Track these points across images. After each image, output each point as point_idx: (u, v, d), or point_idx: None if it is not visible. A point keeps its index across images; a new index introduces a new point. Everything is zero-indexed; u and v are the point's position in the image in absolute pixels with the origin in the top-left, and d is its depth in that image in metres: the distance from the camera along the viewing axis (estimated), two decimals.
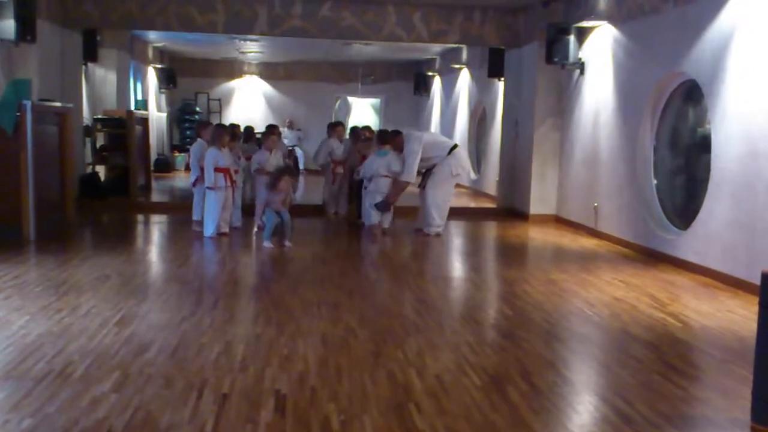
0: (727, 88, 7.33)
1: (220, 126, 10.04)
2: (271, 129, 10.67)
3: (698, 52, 7.79)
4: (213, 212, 9.17)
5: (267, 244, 8.66)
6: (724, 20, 7.37)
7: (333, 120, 17.09)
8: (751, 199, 6.92)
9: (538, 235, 10.44)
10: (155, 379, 4.22)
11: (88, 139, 12.79)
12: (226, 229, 9.40)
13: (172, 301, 6.07)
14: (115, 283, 6.60)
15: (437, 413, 3.87)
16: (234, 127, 11.16)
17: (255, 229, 9.71)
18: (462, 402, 4.04)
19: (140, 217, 11.41)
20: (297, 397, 4.01)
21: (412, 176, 9.84)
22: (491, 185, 14.50)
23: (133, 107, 15.23)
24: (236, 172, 9.86)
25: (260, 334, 5.17)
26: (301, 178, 17.38)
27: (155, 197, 13.94)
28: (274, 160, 9.88)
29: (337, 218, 11.53)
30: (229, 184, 9.24)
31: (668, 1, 8.36)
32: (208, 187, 9.10)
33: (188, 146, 19.94)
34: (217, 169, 9.07)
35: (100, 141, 13.44)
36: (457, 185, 17.09)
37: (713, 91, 7.55)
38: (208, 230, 9.17)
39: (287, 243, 8.74)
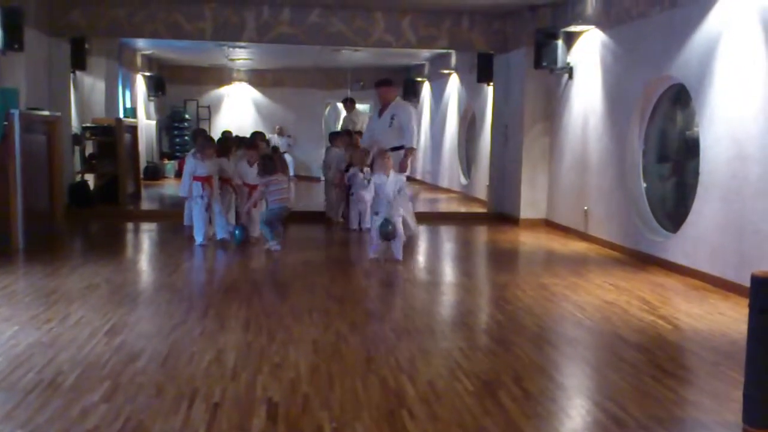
0: (714, 92, 7.37)
1: (207, 137, 10.11)
2: (253, 141, 10.55)
3: (686, 56, 7.83)
4: (200, 221, 9.21)
5: (273, 245, 8.81)
6: (711, 24, 7.42)
7: (331, 128, 16.94)
8: (739, 202, 6.95)
9: (528, 240, 10.45)
10: (146, 389, 4.20)
11: (76, 148, 12.74)
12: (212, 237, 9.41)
13: (162, 310, 6.05)
14: (104, 292, 6.57)
15: (430, 419, 3.86)
16: (226, 134, 11.18)
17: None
18: (454, 408, 4.04)
19: (130, 226, 11.37)
20: (289, 405, 3.99)
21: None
22: (481, 190, 14.52)
23: (122, 115, 15.17)
24: (228, 180, 9.86)
25: (251, 341, 5.15)
26: (292, 185, 17.38)
27: (145, 205, 13.89)
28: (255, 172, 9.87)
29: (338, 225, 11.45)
30: (208, 192, 9.23)
31: (655, 5, 8.41)
32: (182, 196, 9.38)
33: (178, 154, 20.03)
34: (196, 178, 9.14)
35: (89, 149, 13.39)
36: (448, 190, 17.21)
37: (701, 94, 7.59)
38: (198, 238, 9.20)
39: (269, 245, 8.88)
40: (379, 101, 10.03)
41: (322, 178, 12.91)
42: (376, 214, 8.40)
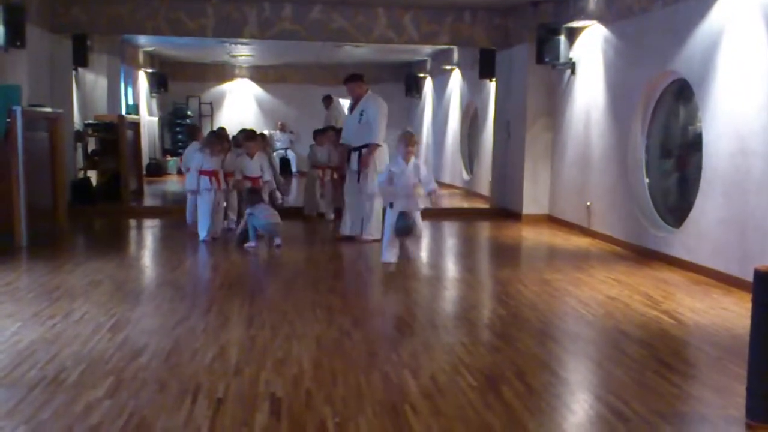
0: (717, 87, 7.35)
1: (215, 134, 10.17)
2: (251, 136, 10.62)
3: (688, 51, 7.82)
4: (205, 216, 9.25)
5: (250, 245, 8.89)
6: (714, 19, 7.40)
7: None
8: (742, 197, 6.94)
9: (531, 235, 10.45)
10: (149, 384, 4.20)
11: (79, 145, 12.75)
12: (215, 234, 9.40)
13: (165, 306, 6.05)
14: (107, 289, 6.58)
15: (432, 414, 3.86)
16: (222, 130, 11.21)
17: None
18: (457, 403, 4.04)
19: (132, 222, 11.38)
20: (292, 400, 4.00)
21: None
22: (484, 185, 14.51)
23: (124, 112, 15.17)
24: (231, 175, 9.86)
25: (254, 337, 5.16)
26: (294, 181, 17.40)
27: (147, 202, 13.90)
28: (255, 165, 9.89)
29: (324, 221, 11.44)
30: (217, 186, 9.29)
31: (657, 0, 8.39)
32: (189, 190, 9.51)
33: (180, 150, 20.03)
34: (202, 172, 9.18)
35: (92, 146, 13.40)
36: (450, 186, 17.19)
37: (703, 89, 7.58)
38: (201, 234, 9.24)
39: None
40: (350, 97, 9.73)
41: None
42: (391, 206, 7.33)
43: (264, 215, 8.88)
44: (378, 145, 9.24)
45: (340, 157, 10.12)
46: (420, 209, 7.35)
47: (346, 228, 9.57)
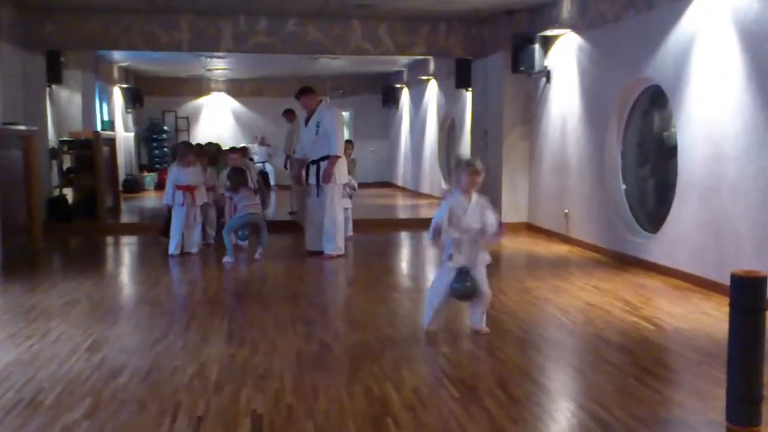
0: (690, 93, 7.43)
1: (187, 144, 10.15)
2: (232, 149, 10.75)
3: (661, 58, 7.90)
4: (176, 231, 9.23)
5: (226, 260, 8.84)
6: (685, 26, 7.48)
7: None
8: (717, 201, 7.00)
9: (510, 243, 10.46)
10: (128, 404, 4.15)
11: (54, 162, 12.63)
12: (192, 249, 9.34)
13: (143, 324, 6.00)
14: (85, 308, 6.51)
15: (415, 427, 3.85)
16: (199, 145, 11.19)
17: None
18: (440, 414, 4.02)
19: (109, 239, 11.28)
20: (273, 417, 3.97)
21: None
22: None
23: (99, 128, 15.05)
24: (211, 189, 9.82)
25: (234, 354, 5.11)
26: (273, 195, 17.34)
27: (124, 218, 13.79)
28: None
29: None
30: (191, 201, 9.21)
31: (630, 8, 8.48)
32: (165, 204, 9.42)
33: (157, 166, 19.94)
34: (178, 187, 9.15)
35: (67, 163, 13.28)
36: (429, 196, 17.21)
37: (677, 95, 7.65)
38: (170, 248, 9.25)
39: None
40: (304, 111, 9.54)
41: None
42: (450, 258, 5.56)
43: (243, 204, 8.84)
44: (338, 157, 9.13)
45: (297, 170, 10.01)
46: (487, 263, 5.78)
47: (310, 244, 9.44)
